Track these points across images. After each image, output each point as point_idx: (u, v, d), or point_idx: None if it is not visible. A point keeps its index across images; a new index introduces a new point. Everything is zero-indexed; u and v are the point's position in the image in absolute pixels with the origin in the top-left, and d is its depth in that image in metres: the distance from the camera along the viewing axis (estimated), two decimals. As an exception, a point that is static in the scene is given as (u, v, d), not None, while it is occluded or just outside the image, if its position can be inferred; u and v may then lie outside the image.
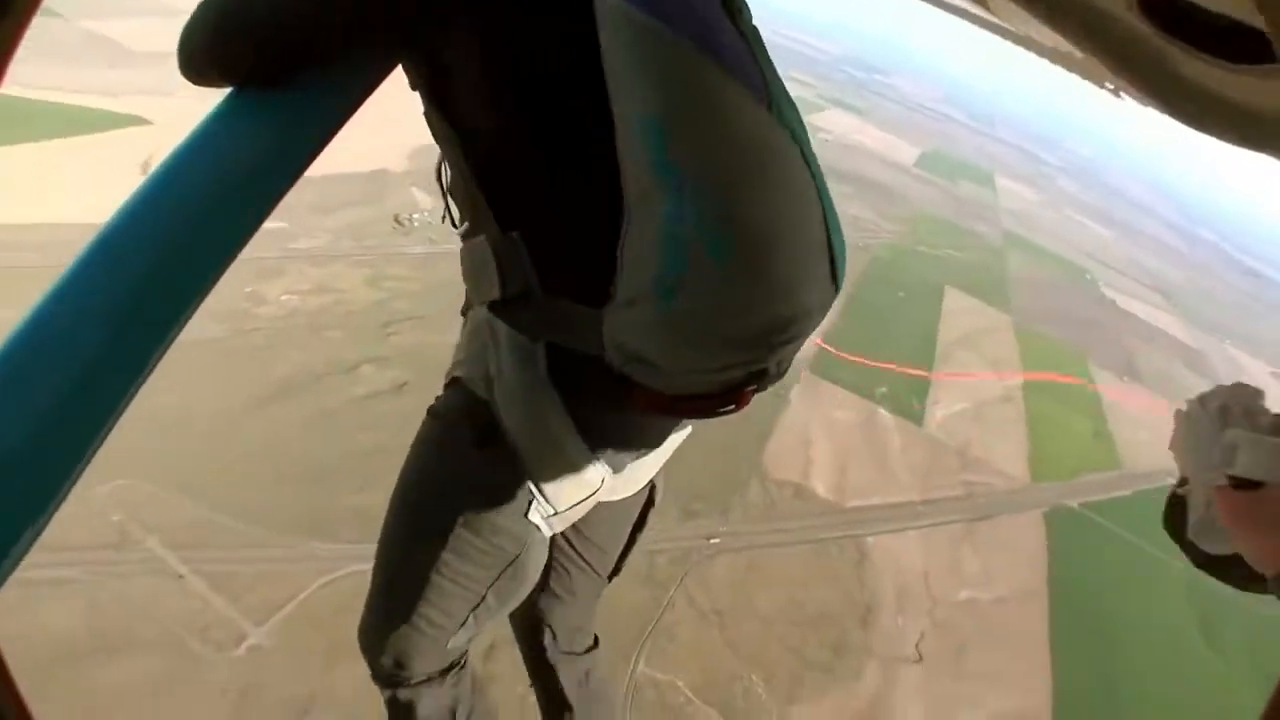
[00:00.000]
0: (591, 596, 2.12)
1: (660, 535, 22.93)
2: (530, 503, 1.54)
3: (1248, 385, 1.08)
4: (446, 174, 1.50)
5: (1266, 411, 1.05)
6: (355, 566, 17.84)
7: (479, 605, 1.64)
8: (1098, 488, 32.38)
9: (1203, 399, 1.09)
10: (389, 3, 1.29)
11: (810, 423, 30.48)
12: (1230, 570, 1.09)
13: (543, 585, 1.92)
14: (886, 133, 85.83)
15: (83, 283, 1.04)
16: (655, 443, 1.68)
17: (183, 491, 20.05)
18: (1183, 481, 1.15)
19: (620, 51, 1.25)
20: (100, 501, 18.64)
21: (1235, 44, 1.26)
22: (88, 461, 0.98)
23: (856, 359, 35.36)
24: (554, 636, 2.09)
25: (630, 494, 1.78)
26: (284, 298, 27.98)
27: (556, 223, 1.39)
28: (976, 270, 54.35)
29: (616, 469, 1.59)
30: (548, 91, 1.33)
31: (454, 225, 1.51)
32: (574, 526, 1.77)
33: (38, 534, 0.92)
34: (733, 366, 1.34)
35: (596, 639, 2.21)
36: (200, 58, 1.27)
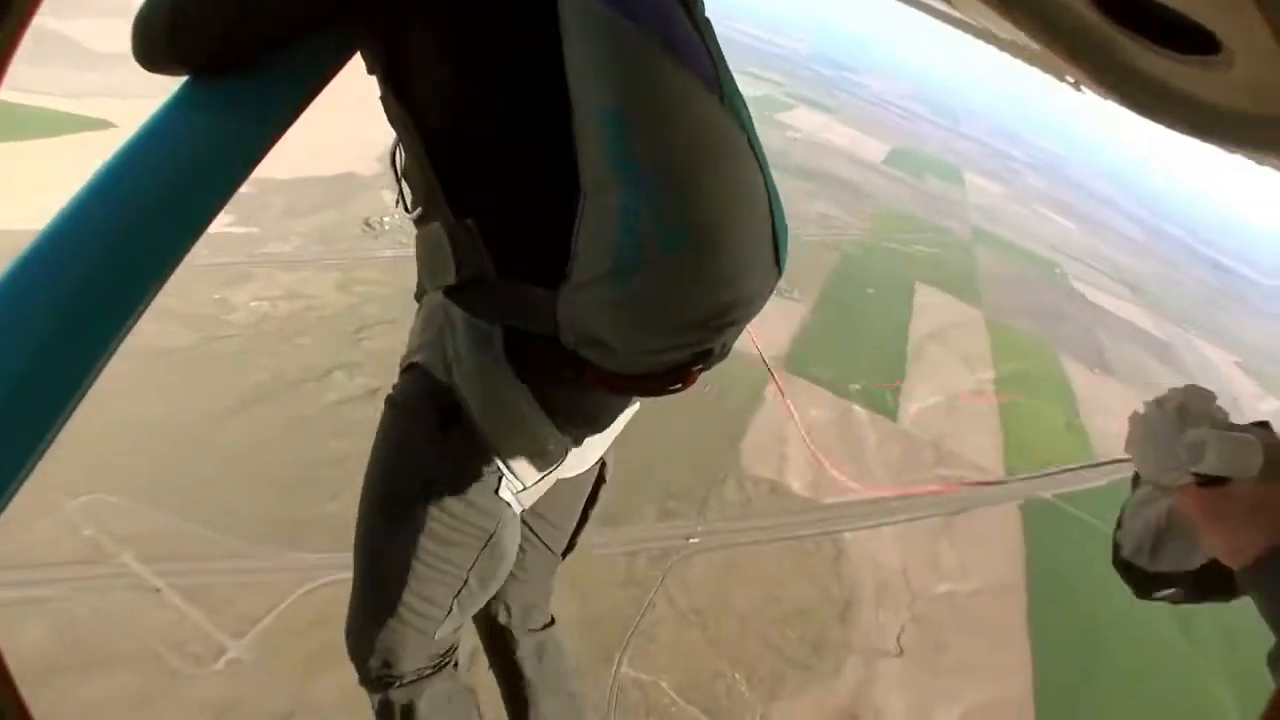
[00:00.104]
0: (546, 574, 2.15)
1: (639, 535, 23.05)
2: (500, 479, 1.56)
3: (1200, 387, 1.11)
4: (401, 157, 1.52)
5: (1222, 410, 1.08)
6: (334, 575, 17.74)
7: (462, 590, 1.65)
8: (1072, 479, 32.78)
9: (1159, 401, 1.12)
10: None
11: (785, 420, 30.63)
12: (1179, 586, 1.14)
13: None
14: (855, 130, 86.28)
15: (30, 276, 1.00)
16: (609, 419, 1.71)
17: (155, 503, 19.75)
18: (1119, 525, 1.20)
19: (579, 41, 1.28)
20: (71, 516, 18.38)
21: (1182, 35, 1.29)
22: (36, 461, 0.94)
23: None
24: (509, 614, 2.11)
25: (583, 471, 1.81)
26: (254, 304, 27.68)
27: (512, 207, 1.41)
28: (946, 266, 54.85)
29: (576, 444, 1.63)
30: (506, 79, 1.35)
31: (406, 210, 1.53)
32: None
33: None
34: (681, 347, 1.39)
35: (553, 618, 2.23)
36: (157, 45, 1.26)
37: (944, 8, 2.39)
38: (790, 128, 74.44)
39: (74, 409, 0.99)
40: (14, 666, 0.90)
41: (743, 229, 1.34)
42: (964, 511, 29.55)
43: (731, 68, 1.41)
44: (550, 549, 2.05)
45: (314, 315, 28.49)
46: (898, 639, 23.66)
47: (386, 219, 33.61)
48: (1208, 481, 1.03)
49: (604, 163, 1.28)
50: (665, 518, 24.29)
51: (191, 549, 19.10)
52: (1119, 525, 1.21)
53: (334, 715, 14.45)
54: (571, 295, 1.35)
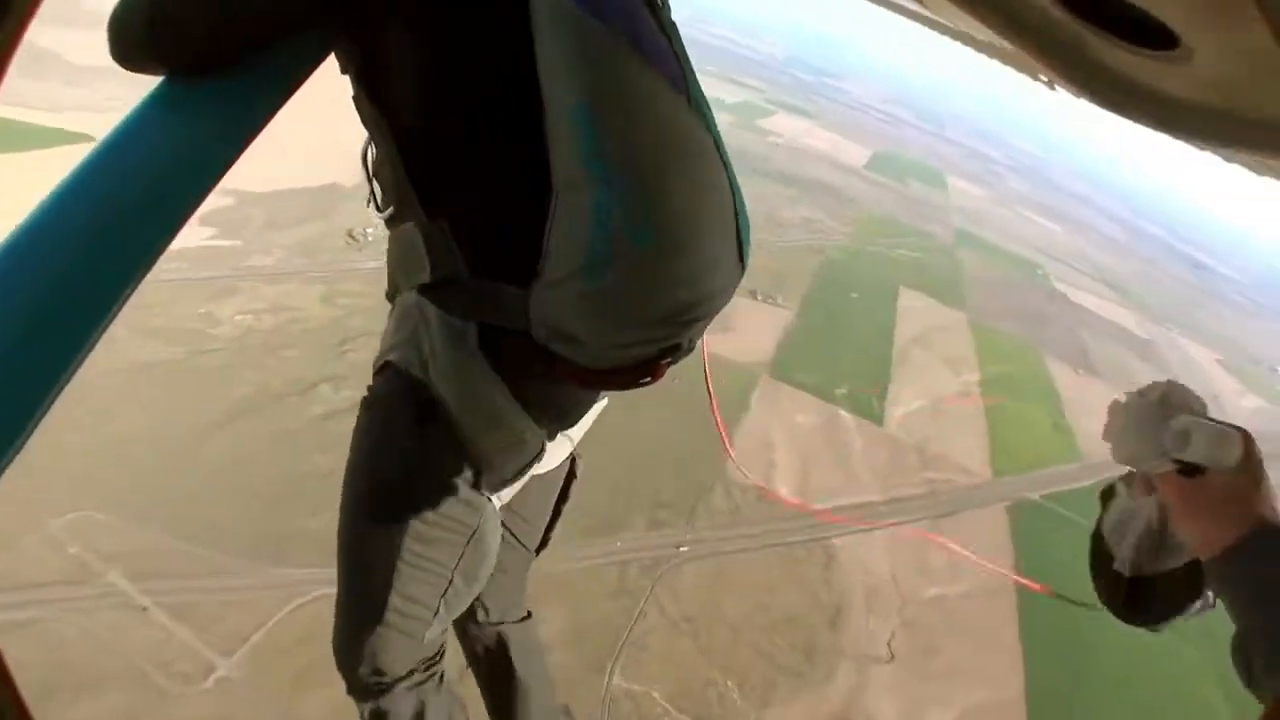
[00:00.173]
0: (520, 571, 2.15)
1: (629, 545, 23.04)
2: (479, 474, 1.57)
3: (1178, 383, 1.13)
4: (372, 154, 1.53)
5: (1201, 402, 1.10)
6: (320, 591, 17.63)
7: (448, 589, 1.65)
8: (1059, 479, 32.95)
9: (1142, 392, 1.14)
10: None
11: (771, 427, 30.66)
12: (1160, 599, 1.14)
13: None
14: (836, 135, 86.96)
15: (0, 277, 0.98)
16: (580, 414, 1.73)
17: (141, 519, 19.63)
18: (1098, 537, 1.24)
19: (550, 40, 1.30)
20: (57, 534, 18.22)
21: (1144, 30, 1.30)
22: (4, 467, 0.91)
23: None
24: (486, 611, 2.11)
25: (554, 467, 1.82)
26: (238, 318, 27.58)
27: (485, 206, 1.42)
28: (930, 269, 55.27)
29: (550, 438, 1.64)
30: (480, 78, 1.37)
31: (378, 209, 1.54)
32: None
33: None
34: (649, 342, 1.42)
35: (529, 613, 2.24)
36: (134, 43, 1.25)
37: (917, 8, 2.40)
38: (771, 133, 75.03)
39: (44, 414, 0.95)
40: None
41: (709, 227, 1.37)
42: (951, 514, 29.68)
43: (708, 73, 1.42)
44: (525, 546, 2.05)
45: (298, 328, 28.45)
46: (888, 644, 23.74)
47: (370, 230, 33.50)
48: (1187, 471, 1.04)
49: (576, 162, 1.31)
50: (655, 527, 24.28)
51: (178, 566, 18.99)
52: (1099, 537, 1.23)
53: (324, 729, 14.35)
54: (544, 293, 1.36)
